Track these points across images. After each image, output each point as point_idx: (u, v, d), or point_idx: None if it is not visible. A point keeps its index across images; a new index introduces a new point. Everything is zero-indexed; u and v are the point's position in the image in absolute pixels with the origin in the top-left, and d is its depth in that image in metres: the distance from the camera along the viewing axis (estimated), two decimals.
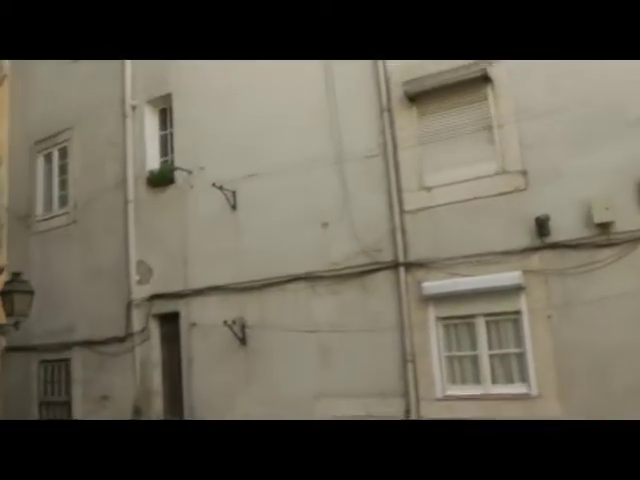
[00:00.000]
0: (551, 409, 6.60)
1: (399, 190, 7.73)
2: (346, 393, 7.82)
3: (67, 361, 10.82)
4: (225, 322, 8.55)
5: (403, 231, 7.64)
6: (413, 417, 7.37)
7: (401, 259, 7.60)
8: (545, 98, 6.95)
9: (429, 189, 7.58)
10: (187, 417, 9.15)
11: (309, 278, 8.19)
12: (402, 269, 7.57)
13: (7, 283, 9.80)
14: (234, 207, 8.98)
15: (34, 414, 11.21)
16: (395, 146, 7.78)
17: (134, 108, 10.29)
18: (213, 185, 8.87)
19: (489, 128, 7.34)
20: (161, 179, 9.87)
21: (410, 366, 7.44)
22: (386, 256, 7.71)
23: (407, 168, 7.72)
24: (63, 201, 11.42)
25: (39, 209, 11.76)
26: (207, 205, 9.21)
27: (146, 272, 9.80)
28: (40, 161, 11.83)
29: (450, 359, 7.42)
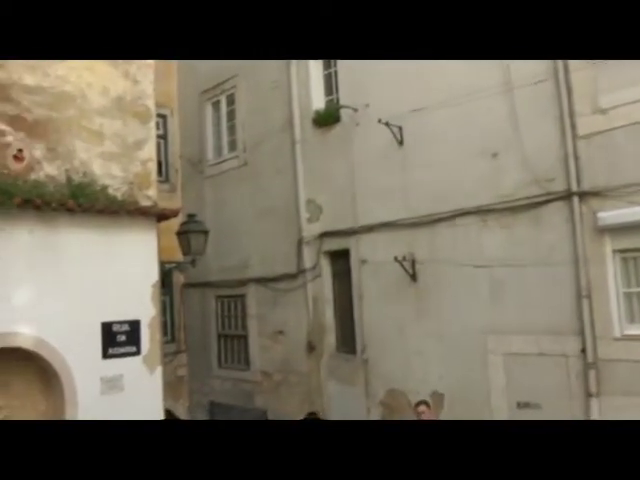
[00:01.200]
0: None
1: (571, 114, 7.69)
2: (518, 329, 8.13)
3: (242, 297, 12.32)
4: (395, 258, 9.17)
5: (576, 158, 7.64)
6: (590, 357, 7.51)
7: (575, 188, 7.64)
8: None
9: (604, 111, 7.44)
10: (359, 353, 10.07)
11: (479, 212, 8.53)
12: (576, 199, 7.62)
13: (183, 224, 11.24)
14: (401, 142, 9.50)
15: (213, 347, 12.90)
16: (566, 68, 7.74)
17: None
18: (379, 121, 9.43)
19: None
20: (327, 118, 10.71)
21: (585, 302, 7.49)
22: (559, 185, 7.81)
23: (580, 90, 7.62)
24: (232, 146, 12.78)
25: (210, 154, 13.27)
26: (374, 142, 9.81)
27: (315, 210, 10.78)
28: (208, 109, 13.32)
29: (628, 295, 7.44)
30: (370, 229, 9.82)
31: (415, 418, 8.12)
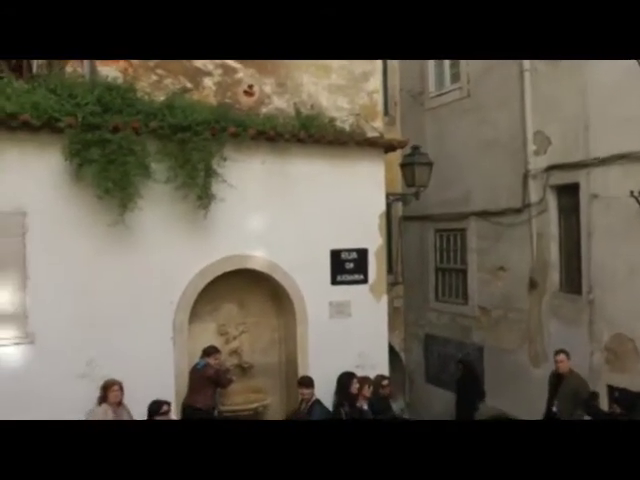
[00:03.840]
0: None
1: None
2: None
3: (462, 231, 12.47)
4: (631, 193, 8.73)
5: None
6: None
7: None
8: None
9: None
10: (584, 293, 9.83)
11: None
12: None
13: (407, 156, 11.52)
14: None
15: (431, 280, 13.26)
16: None
17: None
18: None
19: None
20: None
21: None
22: None
23: None
24: (455, 77, 12.72)
25: (431, 86, 13.27)
26: (608, 66, 9.16)
27: (543, 142, 10.51)
28: None
29: None
30: (603, 162, 9.39)
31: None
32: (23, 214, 7.33)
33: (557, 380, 8.60)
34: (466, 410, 11.52)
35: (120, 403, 7.34)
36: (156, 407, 7.20)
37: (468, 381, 11.79)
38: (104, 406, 7.15)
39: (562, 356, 8.41)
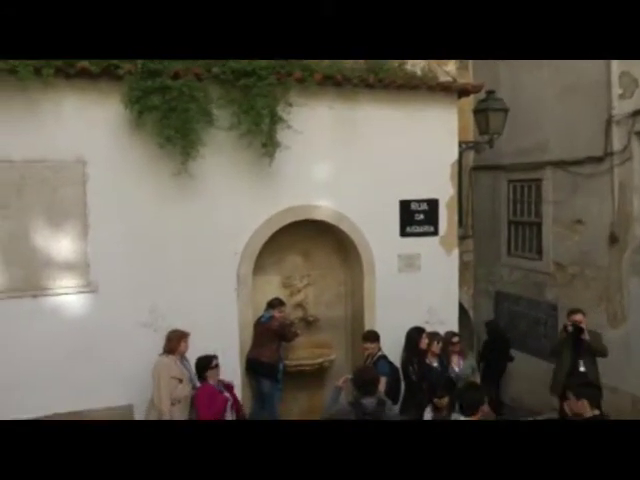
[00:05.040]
0: None
1: None
2: None
3: (538, 181, 11.99)
4: None
5: None
6: None
7: None
8: None
9: None
10: None
11: None
12: None
13: (481, 101, 11.09)
14: None
15: (503, 233, 12.85)
16: None
17: None
18: None
19: None
20: None
21: None
22: None
23: None
24: None
25: None
26: None
27: (630, 84, 9.87)
28: None
29: None
30: None
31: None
32: (83, 163, 7.34)
33: (576, 339, 8.29)
34: (492, 375, 11.67)
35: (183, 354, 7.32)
36: (207, 362, 7.08)
37: (496, 346, 11.83)
38: (172, 357, 7.13)
39: (579, 316, 8.27)
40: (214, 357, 7.10)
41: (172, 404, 6.91)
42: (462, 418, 5.42)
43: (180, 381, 7.01)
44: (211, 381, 7.01)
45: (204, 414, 6.79)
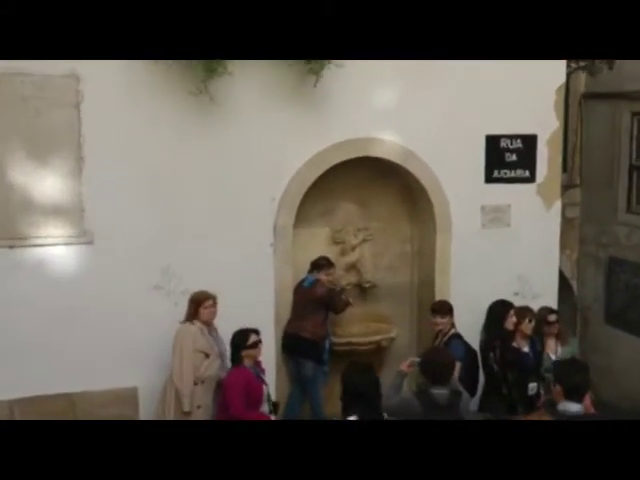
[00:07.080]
0: None
1: None
2: None
3: None
4: None
5: None
6: None
7: None
8: None
9: None
10: None
11: None
12: None
13: None
14: None
15: (622, 182, 11.41)
16: None
17: None
18: None
19: None
20: None
21: None
22: None
23: None
24: None
25: None
26: None
27: None
28: None
29: None
30: None
31: None
32: (76, 78, 6.66)
33: None
34: None
35: (211, 323, 6.79)
36: (243, 338, 6.30)
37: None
38: (198, 325, 6.57)
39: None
40: (253, 331, 6.41)
41: (195, 383, 6.42)
42: (574, 409, 4.51)
43: (207, 356, 6.50)
44: (247, 363, 6.28)
45: (235, 405, 6.04)
